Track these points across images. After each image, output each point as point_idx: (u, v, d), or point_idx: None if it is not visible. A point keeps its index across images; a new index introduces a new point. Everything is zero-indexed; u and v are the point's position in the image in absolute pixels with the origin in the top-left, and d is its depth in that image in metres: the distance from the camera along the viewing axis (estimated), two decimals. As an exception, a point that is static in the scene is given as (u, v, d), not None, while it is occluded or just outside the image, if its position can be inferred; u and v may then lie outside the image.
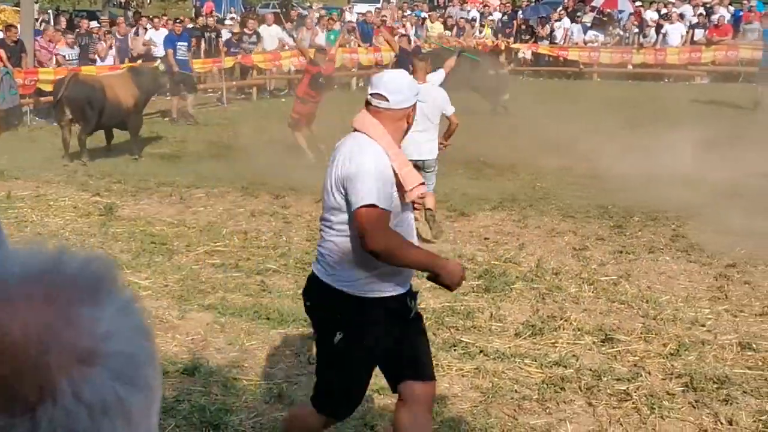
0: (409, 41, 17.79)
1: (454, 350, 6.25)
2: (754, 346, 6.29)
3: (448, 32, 26.82)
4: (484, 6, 34.41)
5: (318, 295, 4.13)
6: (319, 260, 4.12)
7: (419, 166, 9.20)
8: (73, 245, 8.77)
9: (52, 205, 10.46)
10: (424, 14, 28.68)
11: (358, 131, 4.07)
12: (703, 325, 6.77)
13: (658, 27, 26.13)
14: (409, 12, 29.46)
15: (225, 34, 23.52)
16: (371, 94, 4.11)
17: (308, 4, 41.71)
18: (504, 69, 20.57)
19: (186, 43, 19.35)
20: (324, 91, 14.94)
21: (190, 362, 5.94)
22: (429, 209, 9.42)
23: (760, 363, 6.02)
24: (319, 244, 4.17)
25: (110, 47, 21.26)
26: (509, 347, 6.31)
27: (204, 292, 7.45)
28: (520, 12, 31.06)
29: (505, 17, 29.88)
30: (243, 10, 39.92)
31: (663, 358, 6.11)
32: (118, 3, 51.18)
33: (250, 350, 6.26)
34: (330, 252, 4.05)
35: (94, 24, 23.04)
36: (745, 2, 27.02)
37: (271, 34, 23.73)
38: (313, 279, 4.16)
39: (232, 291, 7.50)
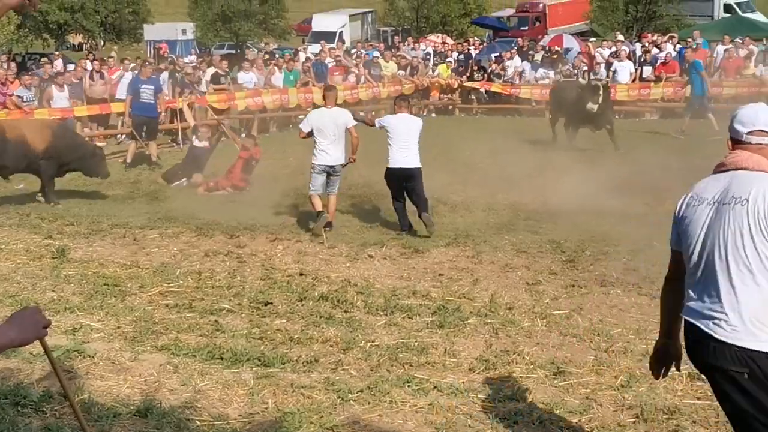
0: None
1: (408, 386, 6.27)
2: (703, 376, 6.36)
3: (401, 72, 27.03)
4: (443, 44, 34.78)
5: (746, 364, 3.82)
6: (732, 321, 3.85)
7: (329, 172, 11.75)
8: (25, 289, 8.69)
9: (3, 248, 10.35)
10: (376, 53, 28.87)
11: (756, 171, 3.96)
12: (654, 357, 6.84)
13: (608, 64, 26.54)
14: (362, 52, 29.66)
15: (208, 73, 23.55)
16: (749, 132, 4.03)
17: (263, 44, 41.86)
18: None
19: (152, 87, 19.14)
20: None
21: (143, 404, 5.89)
22: (325, 212, 11.62)
23: (709, 393, 6.07)
24: (729, 301, 3.87)
25: (62, 90, 21.05)
26: (463, 382, 6.35)
27: (157, 333, 7.41)
28: (475, 52, 31.41)
29: (461, 56, 30.19)
30: (198, 51, 39.99)
31: (614, 390, 6.18)
32: (71, 45, 51.06)
33: (203, 391, 6.22)
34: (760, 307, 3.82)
35: (70, 67, 22.94)
36: (690, 40, 27.59)
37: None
38: (722, 345, 3.87)
39: (185, 331, 7.47)
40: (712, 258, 3.94)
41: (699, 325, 3.97)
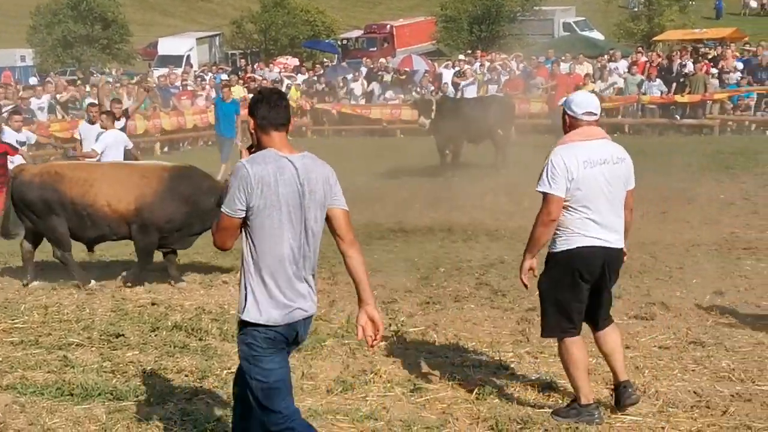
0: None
1: (266, 412, 6.19)
2: (553, 385, 6.56)
3: (251, 95, 26.88)
4: (293, 67, 34.76)
5: None
6: (621, 236, 5.94)
7: None
8: None
9: None
10: (223, 76, 28.66)
11: (606, 138, 5.92)
12: (507, 369, 7.01)
13: (455, 84, 27.11)
14: (210, 75, 29.39)
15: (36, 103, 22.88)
16: (584, 113, 5.77)
17: (107, 70, 40.91)
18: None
19: None
20: None
21: (-12, 447, 5.63)
22: None
23: (560, 401, 6.28)
24: (620, 225, 5.88)
25: None
26: (321, 404, 6.33)
27: (2, 372, 7.10)
28: (322, 73, 31.54)
29: (314, 78, 30.26)
30: (39, 78, 38.74)
31: (470, 403, 6.28)
32: None
33: (53, 429, 6.01)
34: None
35: None
36: (533, 58, 28.51)
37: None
38: (618, 251, 5.93)
39: (32, 369, 7.18)
40: (611, 199, 5.73)
41: (606, 244, 5.74)
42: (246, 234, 4.61)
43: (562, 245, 5.78)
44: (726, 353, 7.24)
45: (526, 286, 5.95)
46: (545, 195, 5.69)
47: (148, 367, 7.16)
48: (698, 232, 12.32)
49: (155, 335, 8.08)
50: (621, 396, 5.99)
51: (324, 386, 6.72)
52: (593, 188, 5.67)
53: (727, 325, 8.06)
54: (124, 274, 10.23)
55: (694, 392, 6.37)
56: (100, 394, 6.53)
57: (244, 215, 4.56)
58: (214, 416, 6.13)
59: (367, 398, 6.45)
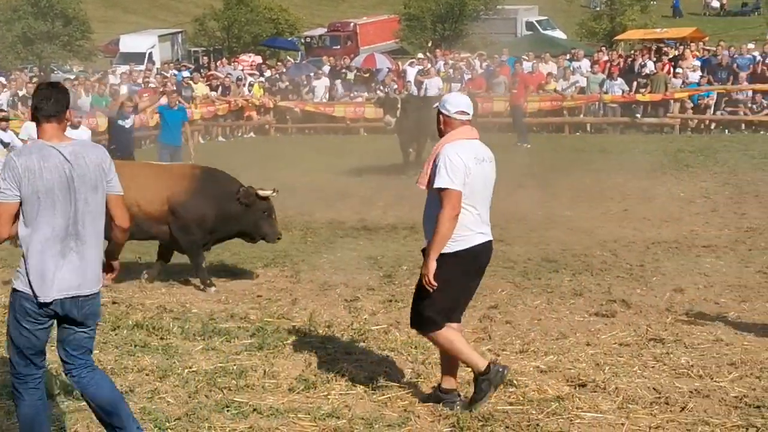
0: None
1: (228, 411, 6.17)
2: (515, 382, 6.57)
3: (213, 93, 26.74)
4: (257, 65, 34.57)
5: None
6: None
7: None
8: None
9: None
10: (185, 74, 28.45)
11: (477, 138, 6.03)
12: (468, 366, 7.01)
13: (418, 82, 27.12)
14: (172, 72, 29.19)
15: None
16: (456, 112, 5.94)
17: (68, 67, 40.48)
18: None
19: None
20: None
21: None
22: None
23: (521, 398, 6.31)
24: None
25: None
26: (283, 403, 6.31)
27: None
28: (284, 70, 31.42)
29: (276, 76, 30.12)
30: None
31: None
32: None
33: (9, 429, 5.96)
34: None
35: None
36: (496, 57, 28.58)
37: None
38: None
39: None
40: (488, 196, 5.98)
41: (490, 238, 6.01)
42: (20, 218, 4.95)
43: (462, 244, 5.86)
44: (685, 350, 7.31)
45: (434, 287, 5.88)
46: (446, 190, 5.75)
47: (109, 366, 7.10)
48: (659, 230, 12.45)
49: (116, 334, 8.02)
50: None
51: (286, 385, 6.70)
52: (480, 185, 5.88)
53: (687, 322, 8.14)
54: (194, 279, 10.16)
55: (654, 389, 6.43)
56: (59, 394, 6.48)
57: (18, 201, 4.88)
58: (174, 415, 6.09)
59: (329, 396, 6.45)
